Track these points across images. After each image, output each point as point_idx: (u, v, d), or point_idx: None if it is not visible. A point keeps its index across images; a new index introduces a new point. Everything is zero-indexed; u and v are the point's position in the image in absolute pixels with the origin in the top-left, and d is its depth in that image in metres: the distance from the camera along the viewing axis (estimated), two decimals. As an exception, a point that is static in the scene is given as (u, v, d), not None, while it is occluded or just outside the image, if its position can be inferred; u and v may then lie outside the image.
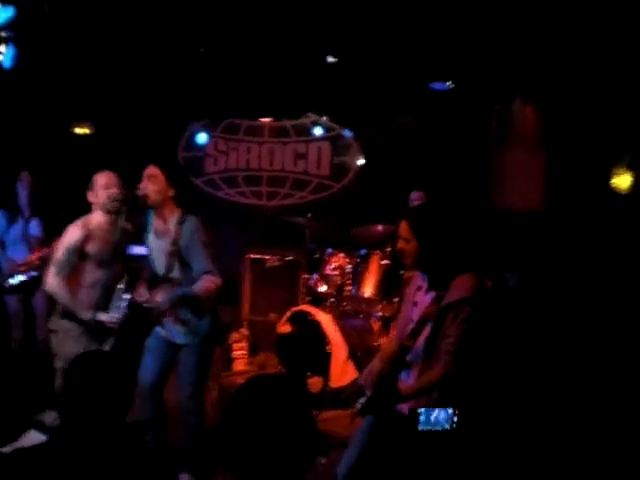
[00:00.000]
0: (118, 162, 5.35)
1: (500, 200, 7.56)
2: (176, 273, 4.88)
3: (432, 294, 4.02)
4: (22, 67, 6.43)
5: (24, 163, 7.18)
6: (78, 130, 8.60)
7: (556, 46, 6.55)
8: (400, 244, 4.10)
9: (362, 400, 4.00)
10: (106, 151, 7.96)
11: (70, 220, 5.08)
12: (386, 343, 4.41)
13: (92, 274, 4.98)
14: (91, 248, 4.97)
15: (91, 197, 5.03)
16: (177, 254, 4.87)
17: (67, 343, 4.91)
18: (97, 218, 5.03)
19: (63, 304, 4.98)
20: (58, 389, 4.99)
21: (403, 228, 4.08)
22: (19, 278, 6.60)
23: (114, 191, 4.98)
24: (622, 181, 7.09)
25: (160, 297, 4.80)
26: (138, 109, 8.31)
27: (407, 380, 4.05)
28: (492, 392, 5.29)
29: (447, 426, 3.53)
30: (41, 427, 5.46)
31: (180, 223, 4.85)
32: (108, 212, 5.00)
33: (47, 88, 7.47)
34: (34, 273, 6.58)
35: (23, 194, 6.91)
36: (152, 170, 4.88)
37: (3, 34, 6.12)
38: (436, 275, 4.04)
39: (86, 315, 4.94)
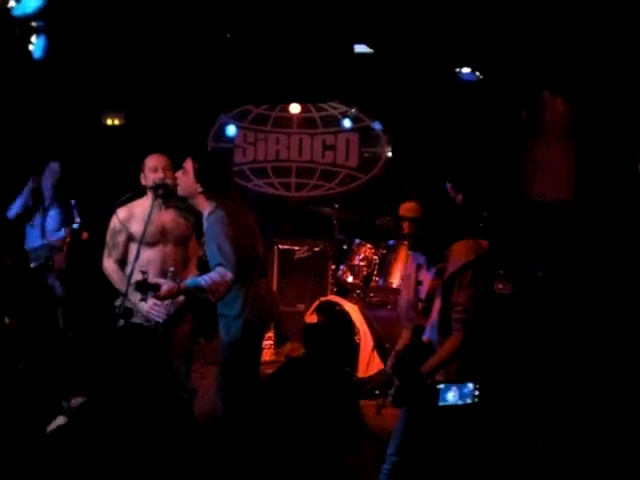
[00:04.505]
0: (148, 153, 5.37)
1: (530, 191, 7.52)
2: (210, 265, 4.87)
3: (433, 269, 4.04)
4: (53, 58, 6.46)
5: (55, 154, 7.23)
6: (109, 121, 8.65)
7: (585, 36, 6.51)
8: (410, 227, 4.06)
9: (391, 391, 4.00)
10: (136, 142, 8.01)
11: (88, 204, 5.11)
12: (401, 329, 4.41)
13: (140, 255, 4.90)
14: (135, 229, 5.03)
15: (142, 180, 5.13)
16: (204, 247, 4.91)
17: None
18: (146, 200, 5.09)
19: (115, 286, 5.11)
20: None
21: (413, 209, 4.05)
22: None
23: (160, 175, 5.04)
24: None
25: (165, 285, 4.61)
26: (168, 100, 8.34)
27: None
28: (520, 379, 5.29)
29: (469, 401, 3.53)
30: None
31: (207, 218, 4.86)
32: (156, 195, 5.03)
33: (77, 79, 7.51)
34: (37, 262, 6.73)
35: (48, 182, 6.94)
36: (185, 163, 4.90)
37: (34, 24, 6.14)
38: (434, 251, 4.06)
39: (135, 298, 4.83)
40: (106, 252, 5.18)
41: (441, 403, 3.57)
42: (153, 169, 5.08)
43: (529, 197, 7.46)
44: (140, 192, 5.17)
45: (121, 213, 5.09)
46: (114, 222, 5.13)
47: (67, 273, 6.94)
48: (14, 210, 6.92)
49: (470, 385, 3.56)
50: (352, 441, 2.30)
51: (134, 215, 5.08)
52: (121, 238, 5.10)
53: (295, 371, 2.39)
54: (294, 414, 2.29)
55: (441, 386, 3.57)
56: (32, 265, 6.78)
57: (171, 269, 4.78)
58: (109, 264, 5.15)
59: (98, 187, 7.30)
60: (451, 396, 3.60)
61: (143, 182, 5.13)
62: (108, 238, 5.17)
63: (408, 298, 4.25)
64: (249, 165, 9.24)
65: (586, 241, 6.95)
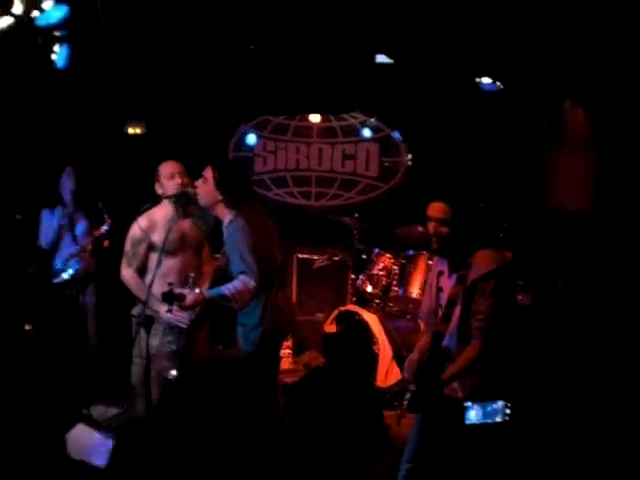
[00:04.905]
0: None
1: (550, 201, 7.50)
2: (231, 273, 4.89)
3: (454, 276, 4.03)
4: (75, 67, 6.50)
5: (77, 163, 7.28)
6: (130, 130, 8.70)
7: (606, 47, 6.49)
8: (436, 227, 4.05)
9: (407, 396, 4.00)
10: (158, 151, 8.03)
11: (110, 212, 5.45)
12: (421, 336, 4.40)
13: (162, 264, 4.93)
14: (156, 238, 5.05)
15: (158, 189, 5.17)
16: (225, 255, 4.94)
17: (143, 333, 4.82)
18: (163, 209, 5.13)
19: (136, 295, 5.12)
20: (134, 377, 5.09)
21: (441, 210, 4.04)
22: (69, 272, 6.73)
23: (178, 180, 5.07)
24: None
25: (190, 295, 4.66)
26: (189, 109, 8.37)
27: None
28: (540, 388, 5.27)
29: (498, 419, 3.53)
30: (89, 421, 5.53)
31: (227, 226, 4.88)
32: (174, 202, 5.07)
33: (100, 88, 7.56)
34: (80, 266, 6.71)
35: (67, 188, 6.91)
36: (205, 172, 4.92)
37: (57, 34, 6.19)
38: (457, 256, 4.04)
39: (157, 307, 4.90)
40: (125, 261, 5.19)
41: (467, 422, 3.57)
42: (169, 176, 5.11)
43: (549, 207, 7.44)
44: (159, 201, 5.20)
45: (142, 222, 5.12)
46: (135, 231, 5.15)
47: (96, 276, 6.97)
48: (49, 239, 6.81)
49: (499, 403, 3.55)
50: (376, 451, 2.30)
51: (154, 224, 5.11)
52: (142, 247, 5.11)
53: (319, 381, 2.40)
54: (319, 423, 2.31)
55: (468, 404, 3.57)
56: (65, 276, 6.73)
57: (192, 275, 4.80)
58: (127, 272, 5.16)
59: (120, 196, 7.33)
60: (473, 414, 3.59)
61: (159, 191, 5.16)
62: (128, 247, 5.17)
63: (429, 304, 4.25)
64: (269, 174, 9.26)
65: (606, 251, 6.91)
